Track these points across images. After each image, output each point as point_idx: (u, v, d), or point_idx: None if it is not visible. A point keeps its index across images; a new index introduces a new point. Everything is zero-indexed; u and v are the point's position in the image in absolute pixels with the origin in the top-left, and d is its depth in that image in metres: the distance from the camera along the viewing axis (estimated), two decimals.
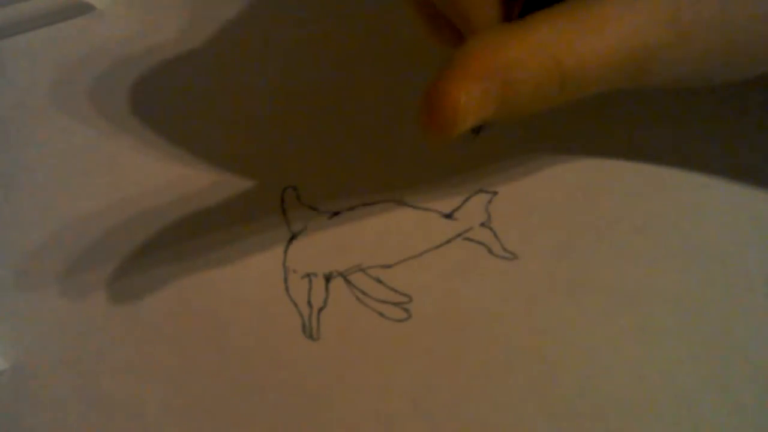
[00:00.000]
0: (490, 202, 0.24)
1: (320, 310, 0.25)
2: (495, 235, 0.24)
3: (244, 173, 0.25)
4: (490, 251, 0.24)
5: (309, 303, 0.25)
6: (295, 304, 0.25)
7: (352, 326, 0.25)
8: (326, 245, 0.25)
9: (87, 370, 0.27)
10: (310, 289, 0.25)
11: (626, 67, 0.14)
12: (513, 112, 0.15)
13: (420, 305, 0.24)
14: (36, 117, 0.27)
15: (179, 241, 0.26)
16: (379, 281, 0.24)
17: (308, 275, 0.25)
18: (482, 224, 0.24)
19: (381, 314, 0.24)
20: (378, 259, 0.24)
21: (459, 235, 0.24)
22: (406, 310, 0.24)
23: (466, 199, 0.24)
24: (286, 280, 0.25)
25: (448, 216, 0.24)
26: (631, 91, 0.19)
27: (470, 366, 0.24)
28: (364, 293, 0.24)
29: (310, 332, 0.25)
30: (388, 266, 0.24)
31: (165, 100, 0.26)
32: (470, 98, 0.13)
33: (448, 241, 0.24)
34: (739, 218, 0.22)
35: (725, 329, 0.22)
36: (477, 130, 0.19)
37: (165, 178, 0.26)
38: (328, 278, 0.25)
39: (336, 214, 0.25)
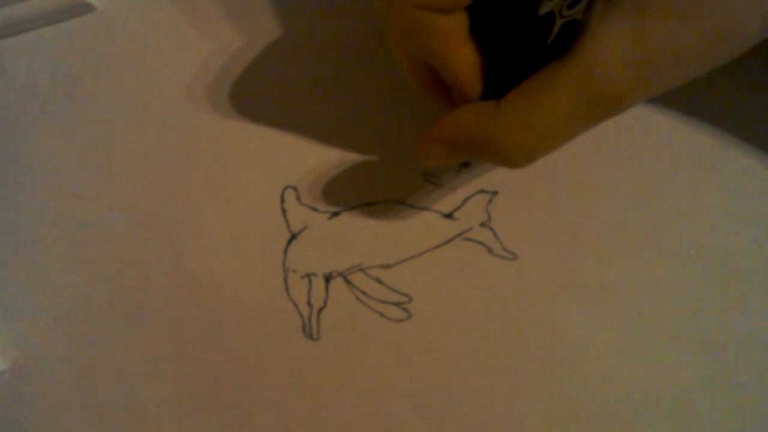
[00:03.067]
0: (490, 202, 0.24)
1: (320, 310, 0.25)
2: (495, 235, 0.24)
3: (244, 173, 0.25)
4: (490, 251, 0.24)
5: (309, 303, 0.25)
6: (295, 304, 0.25)
7: (352, 326, 0.25)
8: (326, 245, 0.25)
9: (87, 371, 0.27)
10: (310, 289, 0.25)
11: (585, 125, 0.16)
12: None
13: (420, 305, 0.24)
14: (36, 117, 0.27)
15: (179, 241, 0.26)
16: (379, 281, 0.24)
17: (308, 275, 0.25)
18: (482, 224, 0.24)
19: (381, 314, 0.24)
20: (378, 259, 0.24)
21: (459, 235, 0.24)
22: (406, 310, 0.24)
23: (466, 199, 0.24)
24: (286, 280, 0.25)
25: (448, 216, 0.24)
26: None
27: (470, 366, 0.24)
28: (364, 293, 0.24)
29: (310, 332, 0.25)
30: (388, 266, 0.24)
31: (164, 100, 0.26)
32: (433, 152, 0.19)
33: (448, 241, 0.24)
34: (739, 218, 0.22)
35: (725, 329, 0.22)
36: (466, 164, 0.22)
37: (164, 178, 0.26)
38: (328, 278, 0.25)
39: (336, 214, 0.25)
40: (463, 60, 0.17)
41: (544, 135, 0.16)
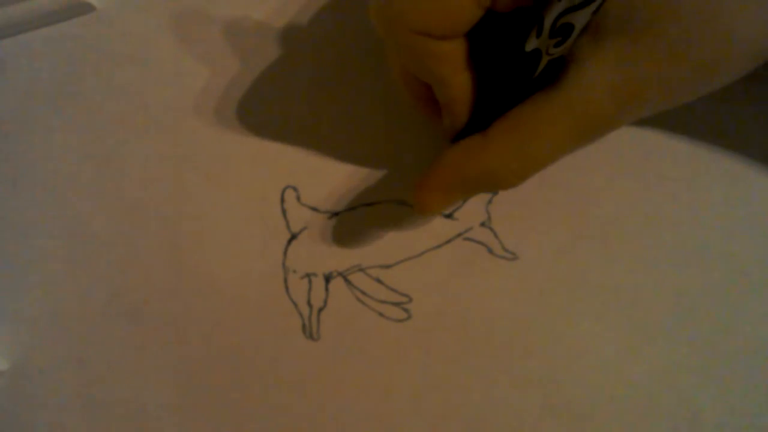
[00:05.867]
0: (490, 202, 0.24)
1: (320, 310, 0.25)
2: (495, 235, 0.24)
3: (244, 173, 0.25)
4: (490, 251, 0.24)
5: (309, 303, 0.25)
6: (295, 304, 0.25)
7: (352, 326, 0.25)
8: (326, 245, 0.25)
9: (87, 371, 0.27)
10: (310, 289, 0.25)
11: (575, 148, 0.17)
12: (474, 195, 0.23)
13: (420, 305, 0.24)
14: (36, 117, 0.27)
15: (179, 241, 0.26)
16: (379, 281, 0.24)
17: (308, 275, 0.25)
18: (482, 224, 0.24)
19: (381, 314, 0.24)
20: (378, 259, 0.24)
21: (459, 235, 0.24)
22: (406, 310, 0.24)
23: (466, 199, 0.24)
24: (286, 280, 0.25)
25: (448, 216, 0.24)
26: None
27: (470, 366, 0.24)
28: (364, 293, 0.24)
29: (310, 332, 0.25)
30: (388, 266, 0.24)
31: (164, 100, 0.26)
32: (434, 201, 0.19)
33: (448, 241, 0.24)
34: (739, 218, 0.22)
35: (725, 329, 0.22)
36: None
37: (165, 178, 0.26)
38: (328, 278, 0.25)
39: (336, 214, 0.25)
40: (459, 84, 0.18)
41: (535, 159, 0.17)
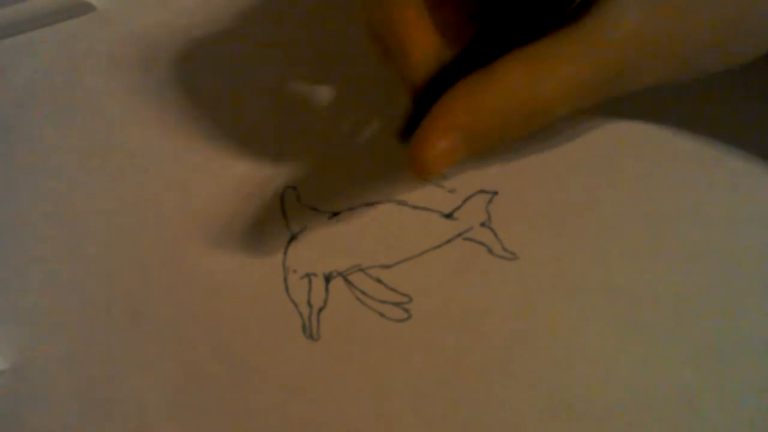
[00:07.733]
0: (490, 202, 0.24)
1: (320, 310, 0.25)
2: (495, 235, 0.24)
3: (244, 173, 0.25)
4: (490, 251, 0.24)
5: (309, 303, 0.25)
6: (295, 304, 0.25)
7: (352, 326, 0.25)
8: (326, 245, 0.25)
9: (87, 370, 0.27)
10: (310, 289, 0.25)
11: (590, 97, 0.16)
12: (483, 151, 0.17)
13: (420, 305, 0.24)
14: (36, 117, 0.27)
15: (179, 241, 0.26)
16: (379, 281, 0.24)
17: (308, 275, 0.25)
18: (482, 224, 0.24)
19: (381, 314, 0.24)
20: (378, 259, 0.24)
21: (459, 235, 0.24)
22: (406, 310, 0.24)
23: (466, 199, 0.24)
24: (286, 280, 0.25)
25: (448, 216, 0.24)
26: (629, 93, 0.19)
27: (470, 366, 0.24)
28: (364, 293, 0.24)
29: (310, 332, 0.25)
30: (388, 266, 0.24)
31: (164, 100, 0.26)
32: (438, 151, 0.16)
33: (448, 241, 0.24)
34: (740, 217, 0.22)
35: (725, 329, 0.22)
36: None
37: (164, 178, 0.26)
38: (328, 278, 0.25)
39: (336, 214, 0.25)
40: (410, 27, 0.17)
41: (546, 101, 0.15)
